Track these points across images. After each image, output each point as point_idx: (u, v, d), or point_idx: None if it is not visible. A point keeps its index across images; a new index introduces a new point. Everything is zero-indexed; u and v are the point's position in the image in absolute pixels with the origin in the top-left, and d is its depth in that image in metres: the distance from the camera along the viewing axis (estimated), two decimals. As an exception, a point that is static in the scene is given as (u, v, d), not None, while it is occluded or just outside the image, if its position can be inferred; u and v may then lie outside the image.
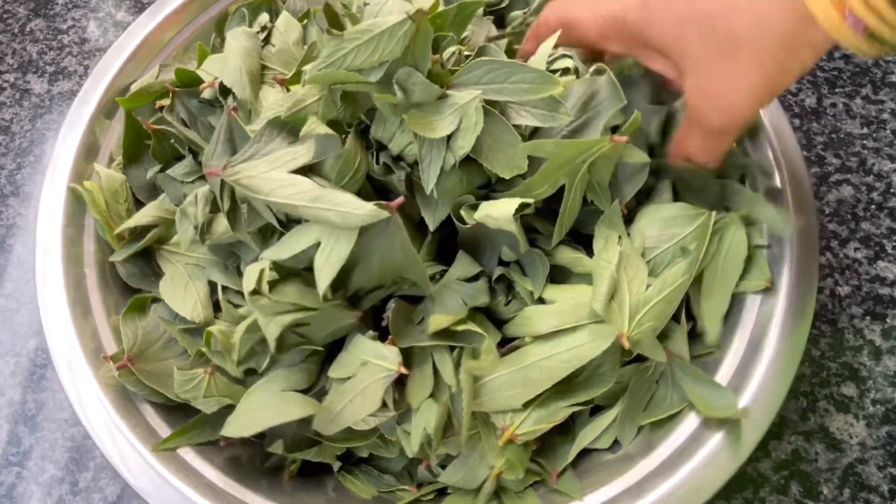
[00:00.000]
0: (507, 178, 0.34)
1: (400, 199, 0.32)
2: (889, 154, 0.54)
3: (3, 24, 0.62)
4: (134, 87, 0.44)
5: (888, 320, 0.49)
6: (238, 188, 0.34)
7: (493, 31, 0.44)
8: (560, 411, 0.35)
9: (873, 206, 0.52)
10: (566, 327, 0.35)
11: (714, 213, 0.37)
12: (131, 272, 0.42)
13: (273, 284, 0.34)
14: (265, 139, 0.35)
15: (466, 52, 0.39)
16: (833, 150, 0.55)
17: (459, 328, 0.34)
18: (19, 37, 0.61)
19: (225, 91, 0.40)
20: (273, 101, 0.39)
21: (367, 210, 0.31)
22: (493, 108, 0.33)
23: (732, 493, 0.44)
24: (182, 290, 0.39)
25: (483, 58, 0.35)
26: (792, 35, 0.28)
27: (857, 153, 0.54)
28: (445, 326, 0.34)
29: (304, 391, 0.37)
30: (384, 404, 0.35)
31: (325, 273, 0.33)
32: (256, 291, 0.34)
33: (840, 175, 0.54)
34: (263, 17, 0.43)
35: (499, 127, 0.33)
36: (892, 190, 0.53)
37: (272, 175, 0.33)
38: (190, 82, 0.41)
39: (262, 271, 0.34)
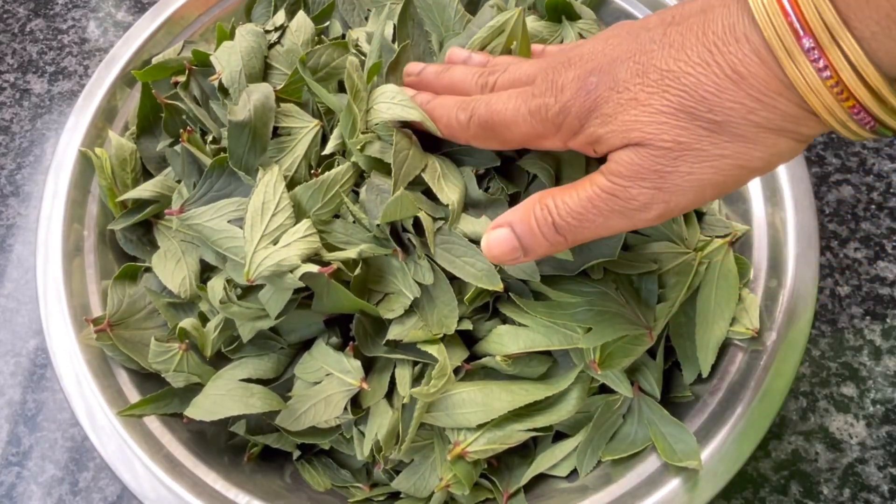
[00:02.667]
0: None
1: (331, 267, 0.32)
2: (889, 154, 0.54)
3: (3, 24, 0.62)
4: (155, 60, 0.45)
5: (888, 320, 0.49)
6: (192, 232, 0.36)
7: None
8: (515, 434, 0.35)
9: (873, 206, 0.52)
10: (536, 350, 0.35)
11: (699, 253, 0.37)
12: (129, 240, 0.43)
13: (247, 290, 0.35)
14: (216, 175, 0.37)
15: None
16: (833, 149, 0.55)
17: (423, 348, 0.34)
18: (19, 37, 0.61)
19: (224, 90, 0.40)
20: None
21: (295, 277, 0.32)
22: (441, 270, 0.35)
23: (732, 493, 0.44)
24: (173, 265, 0.39)
25: (442, 232, 0.35)
26: (790, 124, 0.26)
27: (857, 153, 0.55)
28: (414, 341, 0.35)
29: (271, 381, 0.37)
30: (345, 409, 0.35)
31: (272, 306, 0.34)
32: (226, 300, 0.35)
33: (840, 175, 0.54)
34: (280, 17, 0.43)
35: (442, 286, 0.35)
36: (892, 190, 0.53)
37: (213, 224, 0.35)
38: (206, 62, 0.41)
39: (225, 283, 0.35)
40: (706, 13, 0.27)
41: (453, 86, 0.36)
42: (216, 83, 0.40)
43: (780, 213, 0.40)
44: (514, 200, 0.36)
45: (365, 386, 0.34)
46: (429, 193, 0.35)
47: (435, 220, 0.35)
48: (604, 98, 0.29)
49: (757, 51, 0.25)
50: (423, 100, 0.35)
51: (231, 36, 0.41)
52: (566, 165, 0.37)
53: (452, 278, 0.35)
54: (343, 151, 0.37)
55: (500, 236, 0.32)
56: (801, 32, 0.24)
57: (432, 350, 0.34)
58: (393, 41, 0.40)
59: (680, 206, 0.29)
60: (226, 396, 0.36)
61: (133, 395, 0.38)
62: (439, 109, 0.35)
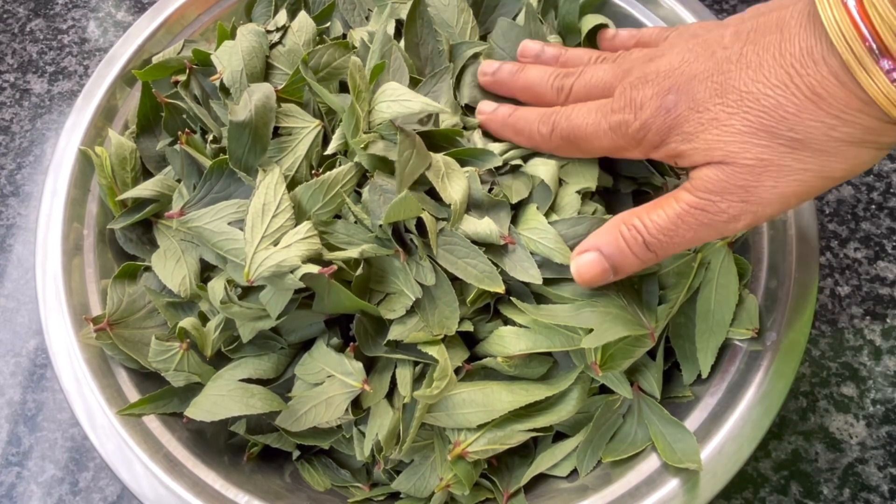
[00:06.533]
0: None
1: (332, 268, 0.32)
2: (889, 154, 0.54)
3: (3, 24, 0.62)
4: (155, 60, 0.45)
5: (888, 320, 0.49)
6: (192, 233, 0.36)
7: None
8: (516, 434, 0.35)
9: (873, 206, 0.52)
10: (538, 351, 0.35)
11: (699, 254, 0.37)
12: (128, 239, 0.42)
13: (248, 290, 0.35)
14: (215, 176, 0.36)
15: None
16: (833, 150, 0.55)
17: (424, 348, 0.34)
18: (19, 37, 0.61)
19: (226, 89, 0.40)
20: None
21: (296, 277, 0.32)
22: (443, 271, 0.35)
23: (732, 493, 0.44)
24: (173, 264, 0.39)
25: (444, 234, 0.35)
26: (871, 136, 0.27)
27: (857, 153, 0.55)
28: (415, 342, 0.35)
29: (272, 381, 0.37)
30: (346, 409, 0.35)
31: (273, 307, 0.34)
32: (226, 300, 0.35)
33: (840, 175, 0.54)
34: (281, 17, 0.43)
35: (444, 287, 0.35)
36: (892, 190, 0.53)
37: (213, 227, 0.35)
38: (206, 62, 0.41)
39: (226, 283, 0.35)
40: (782, 32, 0.28)
41: (529, 87, 0.37)
42: (217, 83, 0.40)
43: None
44: (517, 207, 0.37)
45: (367, 388, 0.34)
46: (431, 193, 0.35)
47: (437, 220, 0.35)
48: (684, 117, 0.30)
49: (835, 73, 0.26)
50: (505, 113, 0.37)
51: (232, 35, 0.41)
52: (571, 165, 0.37)
53: (454, 279, 0.35)
54: (345, 152, 0.37)
55: (590, 260, 0.32)
56: (880, 55, 0.25)
57: (433, 351, 0.34)
58: (399, 39, 0.40)
59: (766, 214, 0.30)
60: (226, 397, 0.36)
61: (133, 395, 0.38)
62: (521, 123, 0.36)
